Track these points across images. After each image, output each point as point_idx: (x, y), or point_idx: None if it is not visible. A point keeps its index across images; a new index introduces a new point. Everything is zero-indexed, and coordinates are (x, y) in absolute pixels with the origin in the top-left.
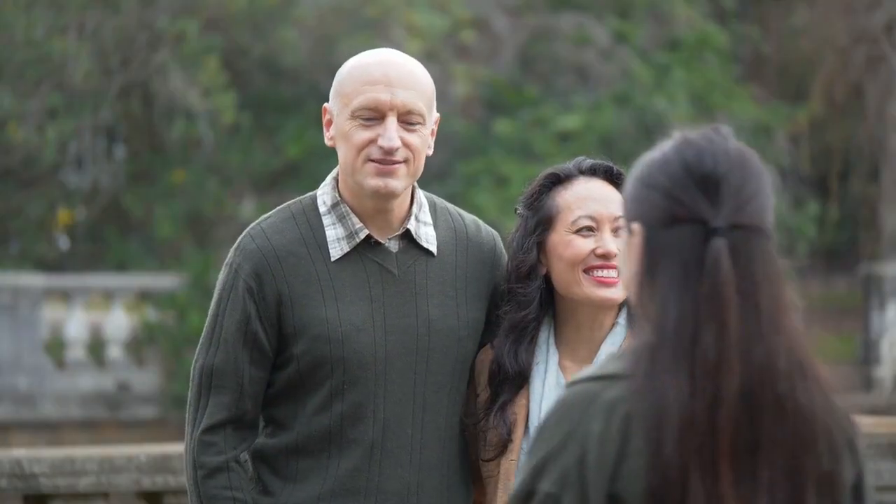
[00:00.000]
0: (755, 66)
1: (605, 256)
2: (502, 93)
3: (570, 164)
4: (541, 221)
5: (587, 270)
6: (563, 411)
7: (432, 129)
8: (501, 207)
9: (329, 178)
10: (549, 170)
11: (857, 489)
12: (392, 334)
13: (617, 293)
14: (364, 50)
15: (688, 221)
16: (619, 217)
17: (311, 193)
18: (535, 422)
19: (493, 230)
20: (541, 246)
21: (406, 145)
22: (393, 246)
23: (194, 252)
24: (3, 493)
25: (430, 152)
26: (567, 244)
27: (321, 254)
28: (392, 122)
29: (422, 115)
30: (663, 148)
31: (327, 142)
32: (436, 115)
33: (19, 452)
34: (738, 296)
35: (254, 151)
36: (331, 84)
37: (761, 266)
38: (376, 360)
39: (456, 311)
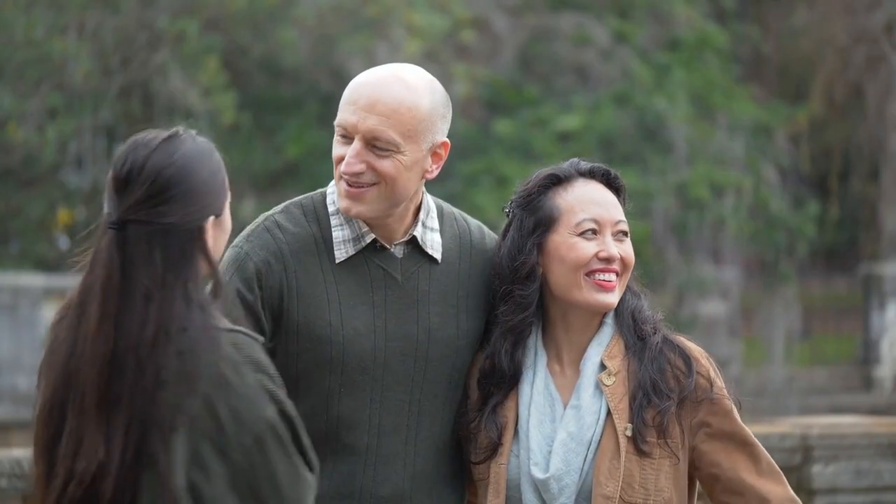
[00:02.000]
0: (755, 66)
1: (608, 260)
2: (502, 93)
3: (566, 165)
4: (540, 222)
5: (589, 274)
6: None
7: (437, 153)
8: (501, 207)
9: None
10: (548, 170)
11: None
12: (392, 340)
13: (614, 298)
14: (363, 50)
15: (105, 216)
16: (621, 221)
17: (321, 190)
18: (524, 425)
19: (495, 234)
20: (540, 247)
21: (373, 169)
22: (398, 251)
23: None
24: (3, 493)
25: (431, 176)
26: (570, 247)
27: (328, 253)
28: (356, 145)
29: (391, 144)
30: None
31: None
32: (440, 140)
33: (19, 452)
34: (118, 275)
35: (254, 151)
36: (331, 84)
37: (146, 253)
38: (375, 364)
39: (456, 320)
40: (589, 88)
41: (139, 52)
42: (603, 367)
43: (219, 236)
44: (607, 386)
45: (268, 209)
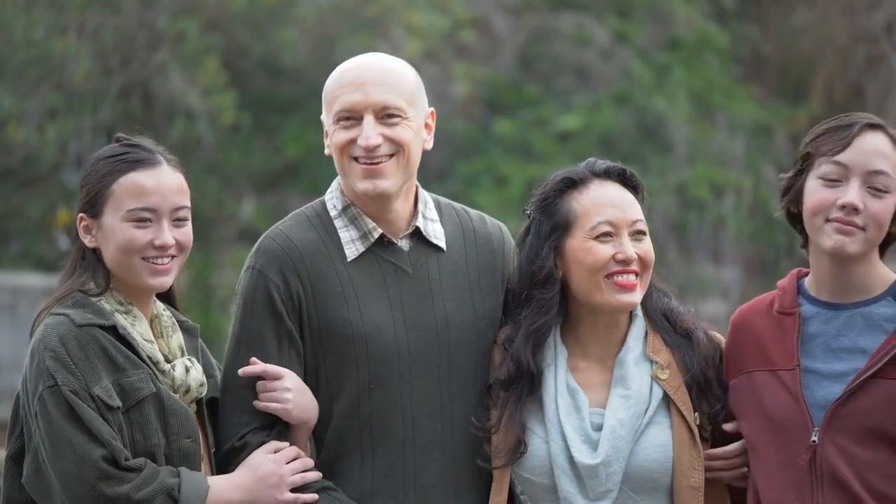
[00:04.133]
0: (755, 66)
1: (626, 262)
2: (502, 93)
3: (582, 167)
4: (557, 226)
5: (608, 276)
6: None
7: (427, 123)
8: (501, 207)
9: (334, 184)
10: (563, 173)
11: None
12: (412, 331)
13: (637, 297)
14: (364, 50)
15: None
16: (638, 221)
17: (319, 199)
18: (552, 417)
19: (499, 222)
20: (557, 251)
21: (390, 140)
22: (405, 245)
23: (194, 251)
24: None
25: (429, 146)
26: (587, 251)
27: (339, 254)
28: (369, 120)
29: (400, 110)
30: None
31: (326, 152)
32: (428, 109)
33: None
34: None
35: (254, 151)
36: None
37: None
38: (399, 357)
39: (471, 303)
40: (589, 88)
41: (139, 52)
42: (647, 359)
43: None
44: (663, 379)
45: (268, 209)
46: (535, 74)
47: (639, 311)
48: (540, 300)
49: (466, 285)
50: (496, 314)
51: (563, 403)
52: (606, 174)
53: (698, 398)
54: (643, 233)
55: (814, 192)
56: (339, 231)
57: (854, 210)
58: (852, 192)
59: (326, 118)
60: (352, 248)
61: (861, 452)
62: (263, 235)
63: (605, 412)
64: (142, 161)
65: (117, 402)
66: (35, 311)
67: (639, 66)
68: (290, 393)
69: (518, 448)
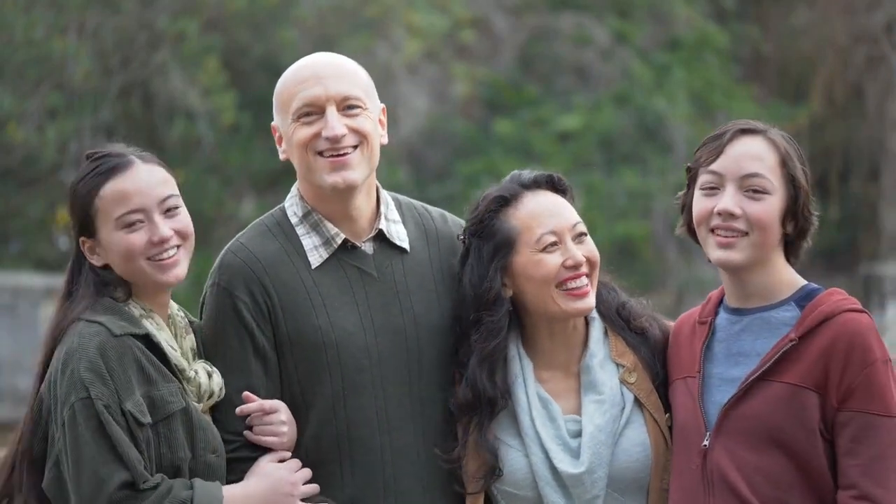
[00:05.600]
0: (755, 66)
1: (575, 266)
2: (502, 93)
3: (508, 182)
4: (499, 246)
5: (559, 285)
6: None
7: (380, 119)
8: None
9: (293, 190)
10: (493, 192)
11: None
12: (382, 335)
13: (591, 301)
14: (363, 50)
15: None
16: (577, 223)
17: (278, 207)
18: (528, 430)
19: (459, 219)
20: (504, 270)
21: (354, 131)
22: (368, 248)
23: (195, 251)
24: None
25: (385, 141)
26: (536, 264)
27: (303, 262)
28: (332, 112)
29: (360, 100)
30: None
31: (281, 156)
32: (380, 105)
33: None
34: None
35: (254, 151)
36: None
37: None
38: (371, 363)
39: (438, 304)
40: (589, 88)
41: (139, 52)
42: (612, 362)
43: None
44: (632, 383)
45: (268, 209)
46: (535, 74)
47: (594, 313)
48: (489, 323)
49: (432, 286)
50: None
51: (538, 415)
52: (535, 184)
53: (667, 398)
54: (584, 234)
55: (696, 203)
56: (301, 238)
57: (731, 216)
58: (727, 198)
59: (282, 120)
60: (315, 255)
61: (750, 456)
62: (225, 249)
63: (582, 419)
64: (114, 168)
65: (148, 419)
66: (35, 311)
67: (639, 66)
68: (286, 426)
69: (493, 472)
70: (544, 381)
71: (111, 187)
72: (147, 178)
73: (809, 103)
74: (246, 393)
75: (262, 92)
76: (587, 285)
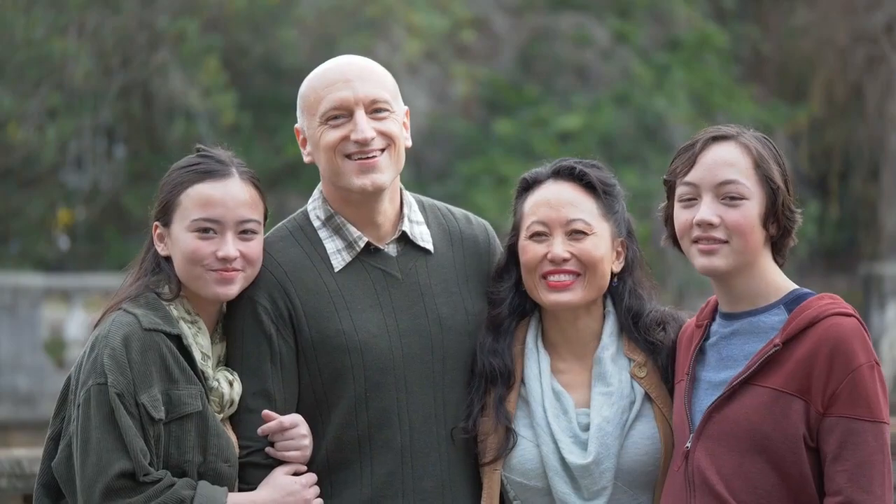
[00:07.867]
0: (755, 66)
1: (554, 261)
2: (502, 93)
3: (543, 167)
4: (513, 226)
5: (543, 276)
6: None
7: (404, 122)
8: (501, 207)
9: (316, 193)
10: (525, 175)
11: None
12: (406, 337)
13: (570, 296)
14: (363, 50)
15: None
16: (574, 220)
17: (300, 210)
18: (540, 419)
19: (484, 221)
20: (510, 250)
21: (381, 133)
22: (392, 250)
23: None
24: (3, 493)
25: (409, 144)
26: (524, 250)
27: (325, 266)
28: (361, 115)
29: (387, 103)
30: None
31: (306, 159)
32: (404, 108)
33: (19, 452)
34: None
35: (254, 151)
36: None
37: None
38: (395, 365)
39: (463, 306)
40: (589, 88)
41: (139, 52)
42: (624, 356)
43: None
44: (641, 378)
45: (268, 209)
46: (535, 74)
47: (611, 308)
48: (491, 293)
49: (456, 287)
50: (485, 316)
51: (550, 406)
52: (556, 173)
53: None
54: (581, 232)
55: (677, 215)
56: (324, 242)
57: (710, 225)
58: (704, 209)
59: (308, 122)
60: (338, 258)
61: (730, 460)
62: None
63: (591, 411)
64: (211, 172)
65: (160, 415)
66: (35, 311)
67: (639, 66)
68: (307, 438)
69: (507, 444)
70: (560, 374)
71: (199, 189)
72: (235, 194)
73: (809, 103)
74: (266, 412)
75: (262, 92)
76: (570, 281)
